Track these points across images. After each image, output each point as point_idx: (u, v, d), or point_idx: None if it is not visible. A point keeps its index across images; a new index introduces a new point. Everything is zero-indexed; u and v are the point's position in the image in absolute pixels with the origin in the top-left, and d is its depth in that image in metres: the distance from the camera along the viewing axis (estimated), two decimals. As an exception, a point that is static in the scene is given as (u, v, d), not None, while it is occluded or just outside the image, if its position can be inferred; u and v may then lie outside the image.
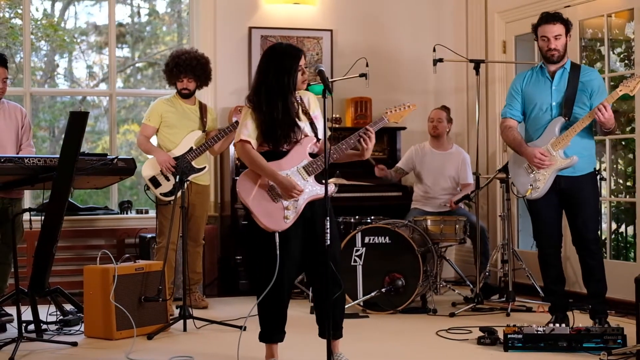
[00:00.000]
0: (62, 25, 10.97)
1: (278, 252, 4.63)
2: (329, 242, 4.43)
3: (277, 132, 4.65)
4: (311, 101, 4.85)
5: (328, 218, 4.44)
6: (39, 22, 10.45)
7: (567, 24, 5.90)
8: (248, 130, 4.70)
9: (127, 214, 8.13)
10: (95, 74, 11.20)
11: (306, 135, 4.76)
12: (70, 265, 7.65)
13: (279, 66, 4.68)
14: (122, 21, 10.92)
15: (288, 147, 4.73)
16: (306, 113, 4.79)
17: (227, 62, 8.33)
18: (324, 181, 4.53)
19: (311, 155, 4.78)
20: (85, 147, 10.38)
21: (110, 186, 7.49)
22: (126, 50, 11.51)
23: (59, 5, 11.15)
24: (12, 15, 9.92)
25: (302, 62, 4.71)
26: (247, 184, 4.75)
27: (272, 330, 4.84)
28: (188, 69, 6.90)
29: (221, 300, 7.42)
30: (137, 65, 11.74)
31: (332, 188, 4.62)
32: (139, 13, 11.40)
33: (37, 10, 10.30)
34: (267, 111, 4.66)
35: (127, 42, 11.30)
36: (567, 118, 5.83)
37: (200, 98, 7.84)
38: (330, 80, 8.14)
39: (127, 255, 6.27)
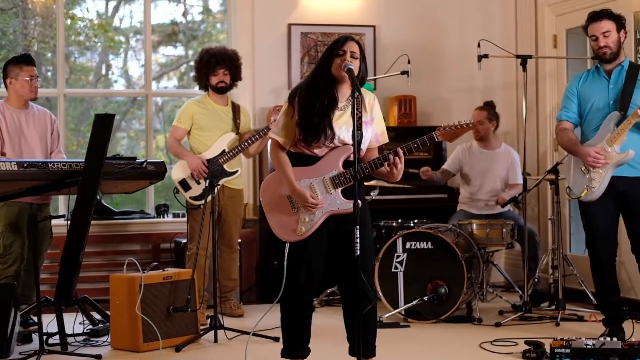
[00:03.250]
0: (119, 24, 10.87)
1: (285, 263, 4.38)
2: (358, 252, 4.11)
3: (310, 124, 4.29)
4: (367, 103, 4.40)
5: (358, 227, 4.10)
6: (87, 22, 10.32)
7: (617, 20, 5.58)
8: (277, 127, 4.42)
9: (163, 217, 7.92)
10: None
11: (344, 144, 4.36)
12: (103, 271, 7.42)
13: (322, 54, 4.41)
14: (175, 20, 10.83)
15: (321, 153, 4.40)
16: (354, 116, 4.27)
17: (265, 60, 8.09)
18: (357, 195, 4.15)
19: (346, 165, 4.38)
20: (140, 146, 10.22)
21: (142, 190, 7.24)
22: (180, 49, 11.42)
23: (113, 5, 11.08)
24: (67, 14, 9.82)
25: (346, 46, 4.31)
26: (270, 188, 4.50)
27: (294, 346, 4.54)
28: (226, 59, 6.70)
29: (259, 308, 7.15)
30: (191, 63, 11.64)
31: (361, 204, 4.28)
32: (186, 12, 11.28)
33: (87, 10, 10.19)
34: (305, 100, 4.32)
35: (180, 41, 11.22)
36: (622, 112, 5.46)
37: (238, 97, 7.66)
38: (371, 78, 7.89)
39: (156, 263, 6.02)
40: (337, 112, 4.36)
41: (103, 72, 10.89)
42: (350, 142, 4.29)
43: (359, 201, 4.24)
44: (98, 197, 5.64)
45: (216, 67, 6.68)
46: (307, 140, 4.34)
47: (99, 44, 10.42)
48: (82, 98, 10.08)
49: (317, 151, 4.39)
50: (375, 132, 4.49)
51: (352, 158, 4.24)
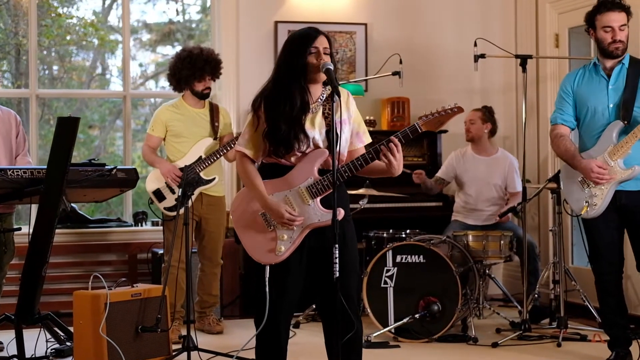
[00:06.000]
0: (117, 23, 10.58)
1: (267, 289, 3.89)
2: (338, 274, 3.67)
3: (279, 135, 3.84)
4: (342, 100, 3.86)
5: (337, 246, 3.65)
6: (76, 19, 10.03)
7: (629, 13, 5.12)
8: (244, 139, 3.96)
9: (141, 226, 7.50)
10: (146, 73, 10.99)
11: (317, 147, 3.93)
12: (79, 283, 6.97)
13: (287, 52, 3.90)
14: (172, 19, 10.58)
15: (294, 161, 3.95)
16: (327, 117, 3.90)
17: (251, 60, 7.68)
18: (336, 204, 3.68)
19: (323, 171, 3.92)
20: (136, 147, 9.86)
21: (114, 197, 6.82)
22: (178, 48, 11.14)
23: (107, 3, 10.81)
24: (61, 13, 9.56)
25: (317, 43, 3.86)
26: (242, 205, 4.02)
27: None
28: (218, 66, 6.35)
29: (241, 323, 6.72)
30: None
31: (341, 214, 3.82)
32: (181, 11, 10.98)
33: (77, 9, 9.89)
34: (272, 107, 3.85)
35: (178, 40, 10.92)
36: (626, 122, 4.99)
37: (221, 98, 7.32)
38: (362, 79, 7.50)
39: (124, 278, 5.60)
40: (309, 115, 3.91)
41: (99, 71, 10.63)
42: (323, 144, 3.90)
43: (342, 211, 3.79)
44: (65, 206, 5.17)
45: (204, 74, 6.28)
46: (279, 152, 3.89)
47: (91, 43, 10.13)
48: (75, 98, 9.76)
49: (294, 159, 3.94)
50: (357, 132, 4.06)
51: (329, 163, 3.83)
